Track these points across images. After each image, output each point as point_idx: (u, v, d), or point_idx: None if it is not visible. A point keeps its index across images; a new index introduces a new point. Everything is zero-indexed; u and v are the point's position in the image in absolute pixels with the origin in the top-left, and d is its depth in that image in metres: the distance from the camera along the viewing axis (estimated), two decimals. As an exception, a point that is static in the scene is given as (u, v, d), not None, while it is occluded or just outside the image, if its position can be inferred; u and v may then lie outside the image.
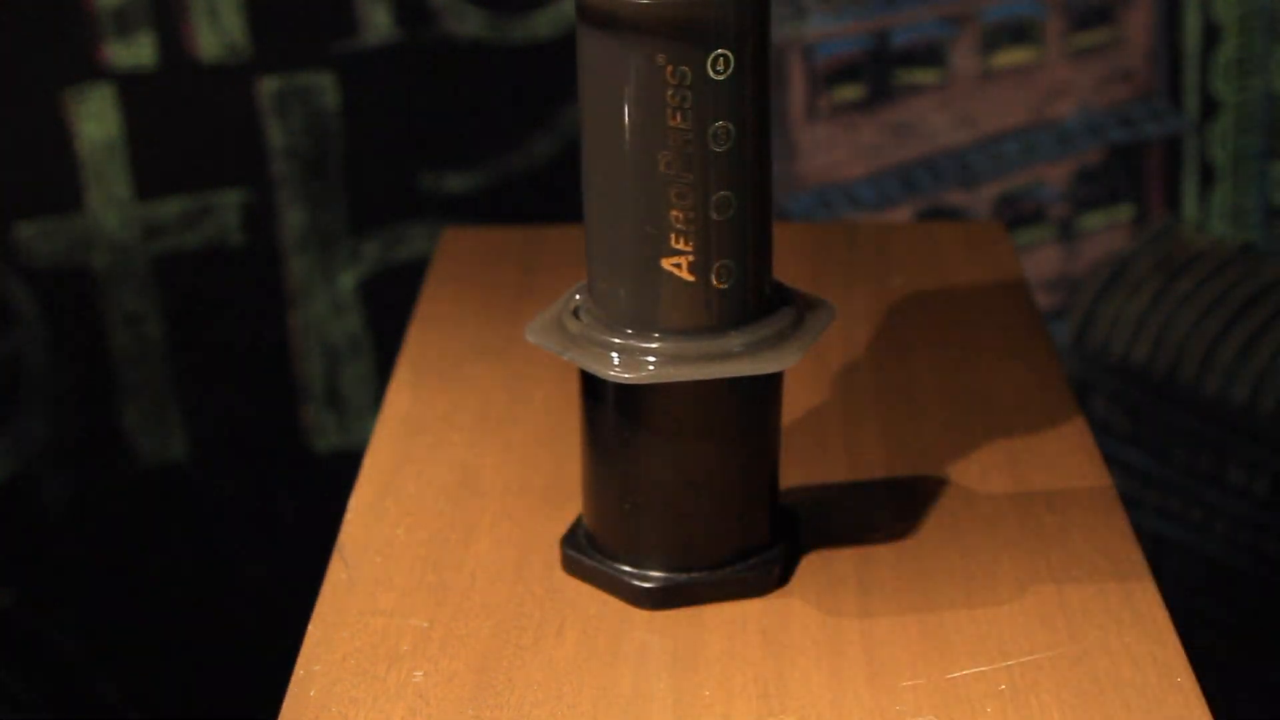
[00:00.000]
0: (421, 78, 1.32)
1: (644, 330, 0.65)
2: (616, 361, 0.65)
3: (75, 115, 1.29)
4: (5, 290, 1.33)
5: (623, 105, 0.63)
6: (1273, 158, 1.38)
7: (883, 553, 0.70)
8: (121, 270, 1.33)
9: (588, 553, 0.70)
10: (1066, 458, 0.77)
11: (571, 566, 0.70)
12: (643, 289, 0.65)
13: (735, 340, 0.65)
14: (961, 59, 1.35)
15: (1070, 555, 0.70)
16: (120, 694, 1.44)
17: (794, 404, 0.83)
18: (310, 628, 0.67)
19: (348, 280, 1.36)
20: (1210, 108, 1.37)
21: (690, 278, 0.64)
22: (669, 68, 0.62)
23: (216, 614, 1.43)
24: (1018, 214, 1.39)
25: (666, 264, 0.64)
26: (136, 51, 1.29)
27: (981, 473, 0.76)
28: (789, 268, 0.89)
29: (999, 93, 1.36)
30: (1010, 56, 1.35)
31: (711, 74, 0.62)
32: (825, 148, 1.34)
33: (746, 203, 0.64)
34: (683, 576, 0.67)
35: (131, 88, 1.29)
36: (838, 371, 0.85)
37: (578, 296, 0.68)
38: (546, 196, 1.34)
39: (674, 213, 0.63)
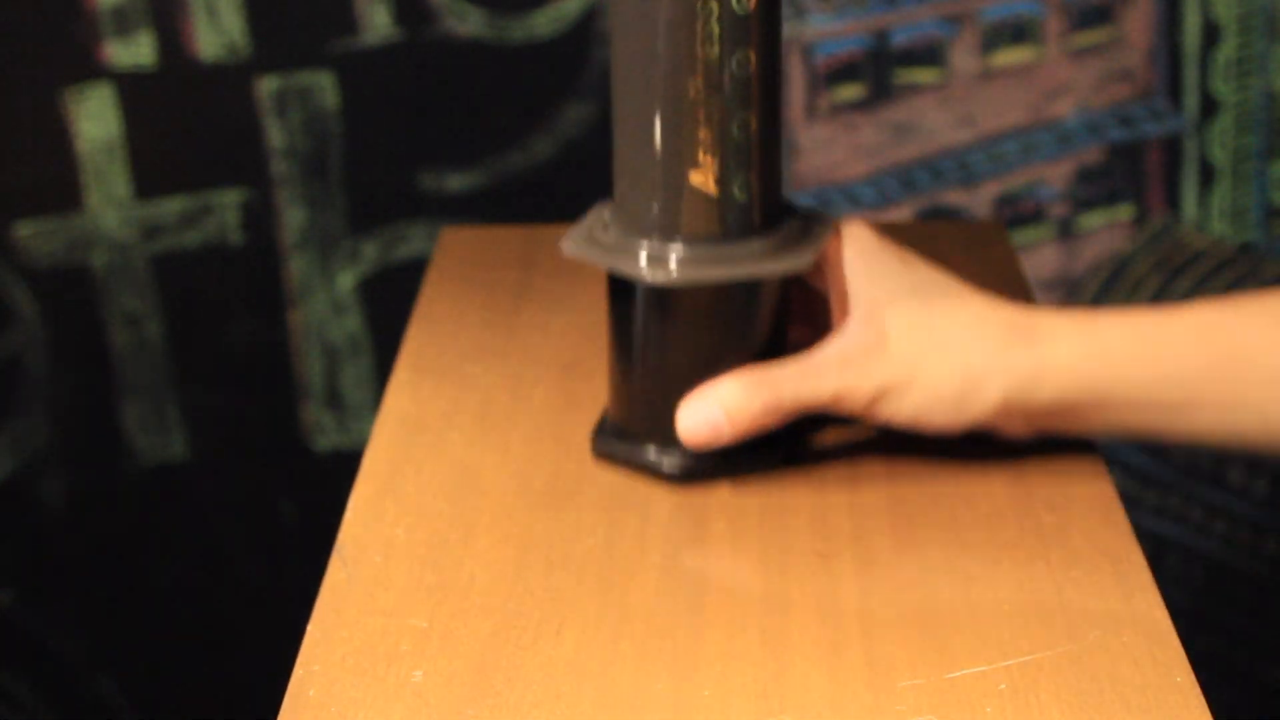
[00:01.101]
0: (421, 77, 1.32)
1: (671, 238, 0.73)
2: (649, 265, 0.73)
3: (75, 115, 1.29)
4: (5, 290, 1.33)
5: (657, 36, 0.71)
6: (1272, 157, 1.38)
7: (883, 552, 0.70)
8: (121, 270, 1.33)
9: (617, 441, 0.77)
10: (1066, 458, 0.77)
11: (604, 453, 0.78)
12: (671, 201, 0.73)
13: (754, 246, 0.73)
14: (961, 58, 1.35)
15: (1070, 555, 0.70)
16: (120, 694, 1.44)
17: (794, 404, 0.83)
18: (310, 628, 0.67)
19: (347, 280, 1.36)
20: (1210, 107, 1.37)
21: (714, 191, 0.72)
22: (700, 1, 0.70)
23: (216, 614, 1.43)
24: (1017, 214, 1.39)
25: (694, 179, 0.72)
26: (136, 51, 1.29)
27: (981, 473, 0.76)
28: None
29: (999, 92, 1.36)
30: (1010, 56, 1.35)
31: (736, 8, 0.70)
32: (825, 147, 1.34)
33: (763, 124, 0.72)
34: (703, 455, 0.75)
35: (131, 87, 1.29)
36: (837, 371, 0.85)
37: (605, 214, 0.76)
38: (545, 196, 1.34)
39: (701, 133, 0.71)
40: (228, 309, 1.35)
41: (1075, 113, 1.37)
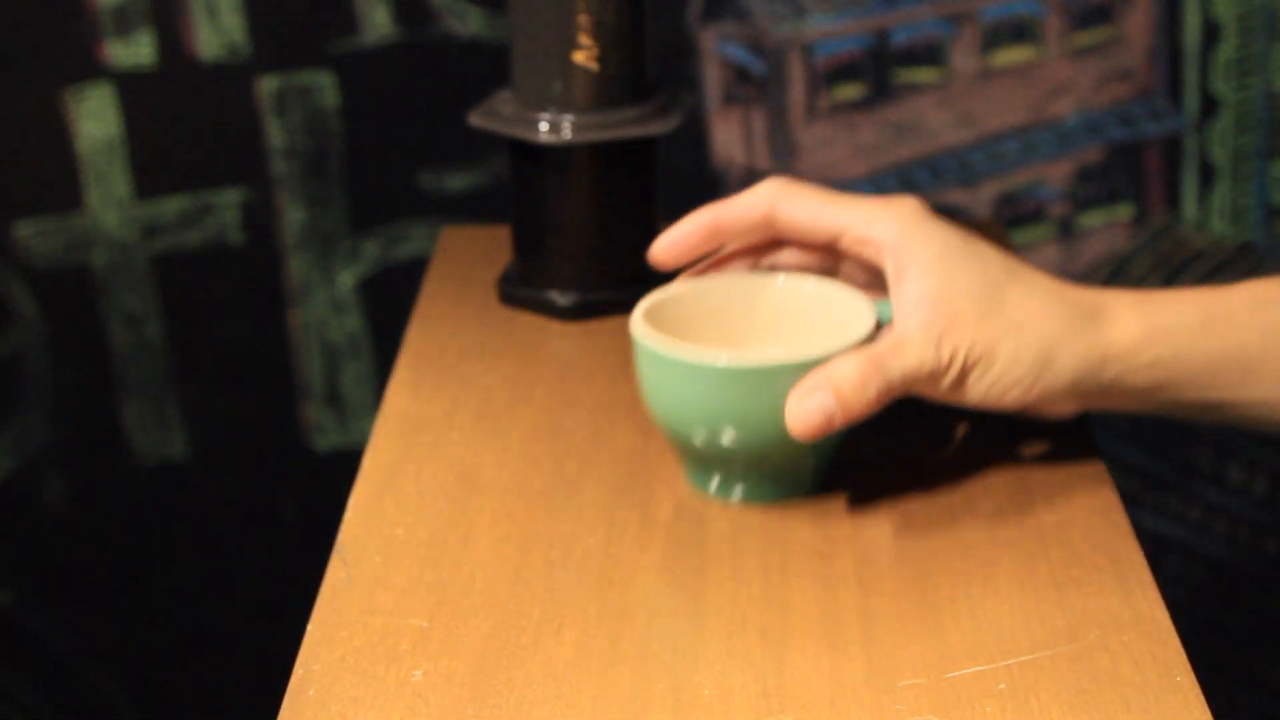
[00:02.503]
0: (421, 77, 1.32)
1: (561, 109, 0.88)
2: (546, 129, 0.88)
3: (75, 114, 1.29)
4: (5, 290, 1.33)
5: None
6: (1272, 157, 1.38)
7: (883, 553, 0.70)
8: (121, 270, 1.33)
9: (519, 286, 0.91)
10: (1066, 458, 0.77)
11: (508, 297, 0.92)
12: (559, 77, 0.87)
13: (630, 113, 0.88)
14: (961, 58, 1.35)
15: (1070, 555, 0.70)
16: (120, 694, 1.44)
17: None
18: (310, 627, 0.67)
19: (347, 279, 1.36)
20: (1210, 107, 1.37)
21: (595, 67, 0.87)
22: None
23: (216, 614, 1.43)
24: (1017, 213, 1.39)
25: (578, 57, 0.87)
26: (136, 51, 1.29)
27: (981, 473, 0.76)
28: (789, 267, 0.89)
29: (999, 92, 1.36)
30: (1010, 55, 1.35)
31: None
32: (825, 147, 1.34)
33: (632, 11, 0.88)
34: (590, 295, 0.90)
35: (131, 87, 1.29)
36: (837, 371, 0.85)
37: (504, 95, 0.91)
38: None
39: (581, 18, 0.87)
40: (228, 309, 1.35)
41: (1075, 112, 1.37)
